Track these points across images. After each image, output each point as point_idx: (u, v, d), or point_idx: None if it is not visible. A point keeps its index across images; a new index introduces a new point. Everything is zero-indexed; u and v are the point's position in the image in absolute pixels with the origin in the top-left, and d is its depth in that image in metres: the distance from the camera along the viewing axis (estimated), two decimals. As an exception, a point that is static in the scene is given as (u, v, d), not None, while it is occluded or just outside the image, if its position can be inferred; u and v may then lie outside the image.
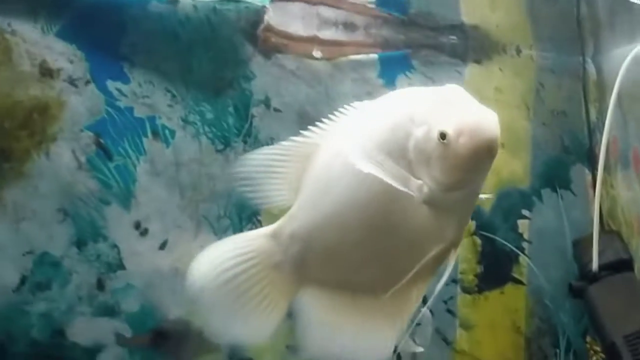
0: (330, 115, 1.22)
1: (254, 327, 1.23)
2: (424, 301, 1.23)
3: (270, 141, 1.72)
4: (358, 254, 1.19)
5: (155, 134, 1.65)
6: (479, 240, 1.84)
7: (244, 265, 1.22)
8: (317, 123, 1.22)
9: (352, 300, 1.23)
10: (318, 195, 1.20)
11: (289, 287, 1.24)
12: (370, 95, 1.80)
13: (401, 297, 1.20)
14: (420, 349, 1.58)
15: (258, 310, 1.23)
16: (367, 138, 1.16)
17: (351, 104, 1.21)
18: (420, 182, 1.14)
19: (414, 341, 1.69)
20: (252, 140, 1.72)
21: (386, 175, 1.13)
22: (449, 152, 1.11)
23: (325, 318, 1.24)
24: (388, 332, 1.21)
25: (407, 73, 1.85)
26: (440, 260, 1.18)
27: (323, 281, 1.23)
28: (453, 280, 1.79)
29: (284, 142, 1.22)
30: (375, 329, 1.21)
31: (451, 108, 1.13)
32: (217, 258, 1.24)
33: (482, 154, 1.11)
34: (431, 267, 1.19)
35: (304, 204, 1.22)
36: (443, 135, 1.10)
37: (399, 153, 1.14)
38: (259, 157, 1.22)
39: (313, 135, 1.23)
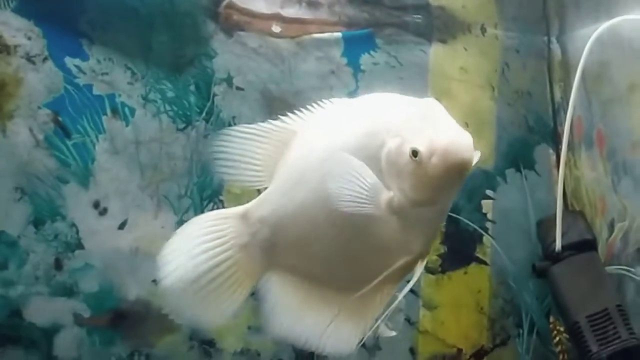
0: (307, 105, 1.24)
1: (217, 306, 1.23)
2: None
3: (233, 120, 1.71)
4: (325, 249, 1.21)
5: (114, 112, 1.63)
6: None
7: (212, 244, 1.22)
8: (295, 111, 1.24)
9: (318, 292, 1.23)
10: (292, 184, 1.21)
11: (255, 269, 1.24)
12: (334, 74, 1.80)
13: (366, 300, 1.21)
14: (393, 333, 1.57)
15: (222, 289, 1.23)
16: (344, 140, 1.18)
17: (329, 98, 1.25)
18: (390, 193, 1.15)
19: (387, 326, 1.68)
20: (215, 119, 1.70)
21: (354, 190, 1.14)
22: (420, 170, 1.12)
23: (290, 303, 1.25)
24: (352, 329, 1.22)
25: (371, 52, 1.83)
26: (406, 270, 1.20)
27: (291, 268, 1.24)
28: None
29: (262, 124, 1.23)
30: (339, 324, 1.22)
31: (426, 124, 1.14)
32: (187, 235, 1.24)
33: (453, 176, 1.13)
34: (397, 276, 1.20)
35: (277, 189, 1.24)
36: (415, 153, 1.12)
37: (373, 160, 1.15)
38: (237, 135, 1.24)
39: (291, 122, 1.25)
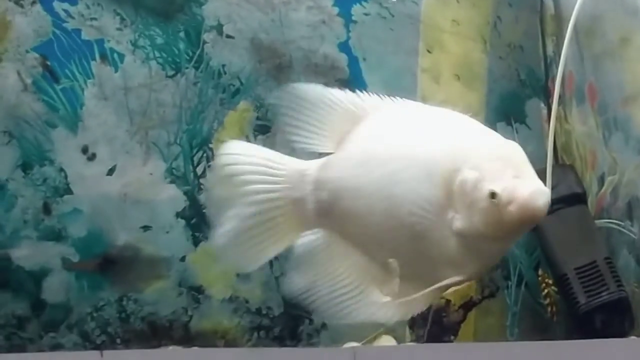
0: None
1: (254, 251, 1.24)
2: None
3: (222, 68, 1.71)
4: (380, 237, 1.21)
5: (103, 57, 1.62)
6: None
7: (264, 187, 1.23)
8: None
9: (354, 268, 1.24)
10: (362, 161, 1.22)
11: (300, 225, 1.25)
12: (324, 23, 1.79)
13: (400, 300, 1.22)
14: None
15: (263, 236, 1.24)
16: (422, 147, 1.18)
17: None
18: (455, 215, 1.16)
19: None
20: (204, 66, 1.69)
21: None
22: (494, 211, 1.14)
23: (317, 266, 1.25)
24: (368, 314, 1.22)
25: (363, 2, 1.82)
26: (452, 286, 1.21)
27: (338, 235, 1.24)
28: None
29: (334, 91, 1.24)
30: (358, 306, 1.22)
31: (507, 169, 1.15)
32: (243, 165, 1.24)
33: (526, 225, 1.16)
34: (440, 290, 1.22)
35: (345, 159, 1.24)
36: (493, 195, 1.13)
37: (445, 179, 1.16)
38: (309, 95, 1.25)
39: (366, 99, 1.25)
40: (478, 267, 1.22)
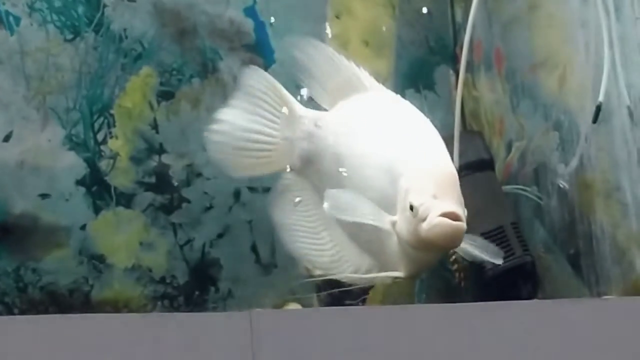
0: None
1: (240, 158, 1.38)
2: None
3: (124, 32, 1.68)
4: None
5: (-2, 20, 1.58)
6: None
7: (267, 111, 1.38)
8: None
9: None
10: (340, 136, 1.34)
11: (283, 160, 1.38)
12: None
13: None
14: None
15: (257, 158, 1.38)
16: (384, 149, 1.29)
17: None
18: (396, 218, 1.25)
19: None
20: (105, 30, 1.66)
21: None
22: (414, 222, 1.22)
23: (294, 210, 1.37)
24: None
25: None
26: (390, 279, 1.32)
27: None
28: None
29: (344, 59, 1.38)
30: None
31: (432, 185, 1.23)
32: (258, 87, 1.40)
33: (436, 244, 1.22)
34: (377, 280, 1.35)
35: (330, 125, 1.36)
36: (412, 207, 1.21)
37: (392, 183, 1.26)
38: (324, 53, 1.40)
39: (363, 76, 1.40)
40: (413, 268, 1.30)
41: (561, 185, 1.70)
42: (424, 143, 1.31)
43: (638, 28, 1.55)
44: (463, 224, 1.22)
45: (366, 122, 1.35)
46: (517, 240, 1.67)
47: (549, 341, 1.25)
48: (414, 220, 1.22)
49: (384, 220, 1.27)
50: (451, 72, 1.96)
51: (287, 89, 1.71)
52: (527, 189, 1.76)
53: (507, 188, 1.78)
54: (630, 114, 1.57)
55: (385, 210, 1.27)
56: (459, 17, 1.97)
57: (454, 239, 1.23)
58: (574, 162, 1.69)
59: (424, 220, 1.20)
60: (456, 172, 1.30)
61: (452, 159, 1.71)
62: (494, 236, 1.67)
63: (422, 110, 1.86)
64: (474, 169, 1.75)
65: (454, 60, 1.95)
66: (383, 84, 1.83)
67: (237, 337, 1.07)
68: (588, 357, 1.25)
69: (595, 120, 1.58)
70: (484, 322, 1.24)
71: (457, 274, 1.80)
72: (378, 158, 1.29)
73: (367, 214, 1.27)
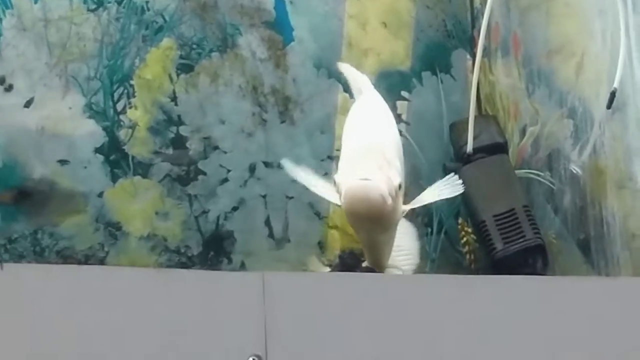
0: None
1: None
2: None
3: (146, 5, 1.70)
4: None
5: (23, -12, 1.60)
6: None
7: None
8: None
9: None
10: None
11: None
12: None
13: None
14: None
15: None
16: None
17: None
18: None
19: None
20: (127, 2, 1.68)
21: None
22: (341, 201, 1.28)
23: None
24: None
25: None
26: None
27: None
28: (329, 157, 1.78)
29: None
30: None
31: (355, 162, 1.30)
32: None
33: (355, 217, 1.28)
34: None
35: None
36: (334, 182, 1.30)
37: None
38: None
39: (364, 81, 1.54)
40: (366, 254, 1.39)
41: (574, 171, 1.71)
42: (361, 137, 1.38)
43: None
44: (378, 187, 1.24)
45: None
46: (528, 223, 1.67)
47: (556, 315, 1.26)
48: (341, 198, 1.27)
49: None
50: (468, 56, 1.97)
51: (304, 67, 1.74)
52: (540, 173, 1.77)
53: (520, 172, 1.79)
54: (643, 102, 1.58)
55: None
56: (477, 2, 1.98)
57: (370, 205, 1.24)
58: (587, 149, 1.70)
59: (341, 193, 1.26)
60: (383, 146, 1.35)
61: (467, 141, 1.75)
62: (506, 218, 1.68)
63: (437, 93, 1.90)
64: (488, 152, 1.76)
65: (471, 45, 1.96)
66: (400, 65, 1.88)
67: (250, 296, 1.08)
68: (594, 333, 1.26)
69: (609, 106, 1.59)
70: (493, 293, 1.25)
71: (467, 255, 1.81)
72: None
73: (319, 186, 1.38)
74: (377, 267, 1.38)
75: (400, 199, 1.35)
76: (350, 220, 1.31)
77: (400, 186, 1.31)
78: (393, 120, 1.48)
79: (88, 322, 1.04)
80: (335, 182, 1.28)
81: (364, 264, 1.42)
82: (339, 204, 1.31)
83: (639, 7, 1.59)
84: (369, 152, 1.31)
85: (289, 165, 1.42)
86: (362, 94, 1.52)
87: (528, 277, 1.48)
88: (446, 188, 1.43)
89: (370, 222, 1.29)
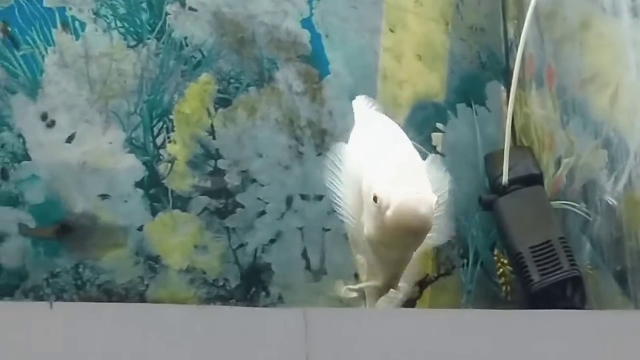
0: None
1: None
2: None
3: (185, 41, 1.71)
4: None
5: (65, 25, 1.62)
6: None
7: None
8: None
9: None
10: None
11: None
12: (288, 1, 1.80)
13: None
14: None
15: None
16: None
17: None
18: (365, 221, 1.28)
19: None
20: (167, 38, 1.70)
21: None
22: (379, 215, 1.22)
23: None
24: None
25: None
26: (379, 294, 1.36)
27: None
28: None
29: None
30: None
31: (397, 175, 1.26)
32: None
33: (404, 232, 1.22)
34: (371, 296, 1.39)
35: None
36: (376, 199, 1.22)
37: (359, 186, 1.31)
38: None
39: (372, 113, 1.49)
40: (383, 274, 1.32)
41: (610, 202, 1.71)
42: (387, 154, 1.33)
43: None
44: (430, 201, 1.21)
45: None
46: (565, 254, 1.67)
47: (594, 350, 1.26)
48: (379, 213, 1.22)
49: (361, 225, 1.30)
50: (502, 87, 1.97)
51: (341, 100, 1.75)
52: (576, 205, 1.77)
53: (555, 204, 1.79)
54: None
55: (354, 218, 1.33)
56: (511, 34, 1.99)
57: (422, 219, 1.20)
58: (623, 180, 1.70)
59: (388, 207, 1.21)
60: (418, 163, 1.33)
61: (502, 173, 1.76)
62: (542, 250, 1.68)
63: (472, 124, 1.91)
64: (524, 184, 1.77)
65: (506, 76, 1.96)
66: (435, 98, 1.89)
67: (292, 333, 1.09)
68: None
69: (643, 138, 1.59)
70: (531, 329, 1.25)
71: (504, 287, 1.81)
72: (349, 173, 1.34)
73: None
74: (393, 287, 1.35)
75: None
76: (391, 237, 1.24)
77: (437, 204, 1.28)
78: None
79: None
80: (376, 198, 1.23)
81: (359, 286, 1.40)
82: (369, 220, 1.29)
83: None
84: (411, 167, 1.30)
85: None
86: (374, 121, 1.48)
87: (565, 312, 1.48)
88: None
89: (416, 238, 1.25)
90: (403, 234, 1.22)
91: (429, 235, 1.28)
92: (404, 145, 1.36)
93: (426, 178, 1.30)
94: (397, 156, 1.31)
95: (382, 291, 1.36)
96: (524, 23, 1.82)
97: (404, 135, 1.40)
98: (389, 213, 1.20)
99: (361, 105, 1.50)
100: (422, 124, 1.88)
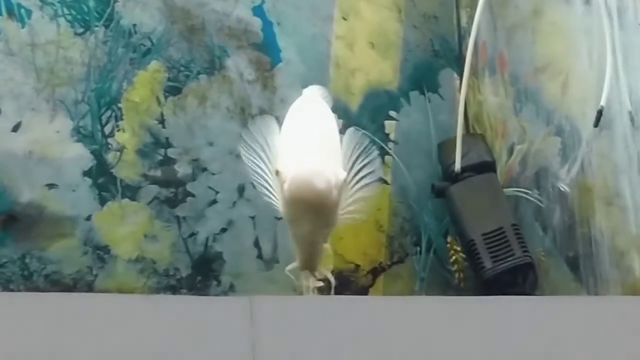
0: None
1: None
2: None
3: (133, 28, 1.69)
4: None
5: (10, 12, 1.60)
6: (345, 139, 1.84)
7: None
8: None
9: None
10: None
11: None
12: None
13: None
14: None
15: None
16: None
17: None
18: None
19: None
20: (115, 25, 1.68)
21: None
22: (281, 190, 1.27)
23: None
24: None
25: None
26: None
27: None
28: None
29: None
30: None
31: (298, 149, 1.29)
32: None
33: (300, 204, 1.25)
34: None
35: None
36: (277, 172, 1.27)
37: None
38: None
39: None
40: (300, 253, 1.34)
41: (562, 189, 1.72)
42: (299, 132, 1.36)
43: (637, 34, 1.57)
44: (327, 175, 1.24)
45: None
46: (517, 241, 1.68)
47: (546, 335, 1.26)
48: (281, 188, 1.26)
49: None
50: (455, 75, 1.97)
51: (292, 88, 1.74)
52: (528, 191, 1.77)
53: (508, 190, 1.80)
54: (632, 120, 1.58)
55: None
56: (464, 22, 1.99)
57: (316, 192, 1.23)
58: (575, 167, 1.70)
59: (285, 181, 1.24)
60: (331, 142, 1.35)
61: (455, 160, 1.76)
62: (494, 237, 1.69)
63: (425, 112, 1.91)
64: (476, 171, 1.77)
65: (459, 64, 1.96)
66: (388, 86, 1.88)
67: (238, 321, 1.08)
68: (583, 353, 1.27)
69: (596, 124, 1.60)
70: (482, 315, 1.25)
71: (457, 275, 1.81)
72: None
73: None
74: (310, 268, 1.35)
75: (343, 196, 1.33)
76: (292, 212, 1.28)
77: (345, 181, 1.30)
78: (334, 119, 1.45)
79: (75, 349, 1.04)
80: (277, 172, 1.27)
81: (290, 267, 1.39)
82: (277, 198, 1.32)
83: (625, 24, 1.60)
84: (316, 142, 1.32)
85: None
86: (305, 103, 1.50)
87: (516, 298, 1.48)
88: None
89: (315, 213, 1.27)
90: (301, 208, 1.25)
91: (349, 214, 1.33)
92: (320, 125, 1.38)
93: (337, 156, 1.32)
94: (307, 134, 1.33)
95: (302, 272, 1.36)
96: (476, 10, 1.82)
97: (327, 117, 1.42)
98: (285, 186, 1.24)
99: (308, 93, 1.50)
100: (375, 111, 1.87)
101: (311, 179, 1.22)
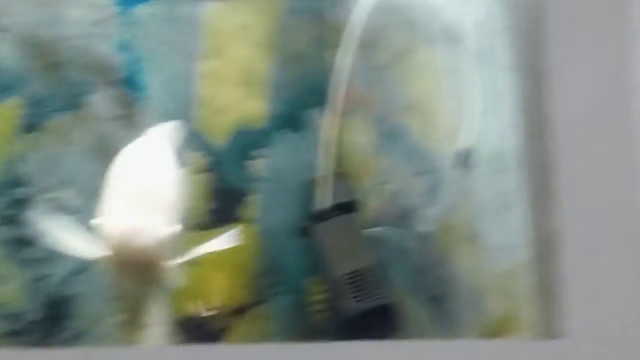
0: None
1: None
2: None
3: (-7, 61, 1.67)
4: None
5: None
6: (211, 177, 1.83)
7: None
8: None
9: None
10: None
11: None
12: (103, 22, 1.76)
13: None
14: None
15: None
16: None
17: None
18: None
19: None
20: (-27, 61, 1.65)
21: None
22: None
23: None
24: None
25: (145, 3, 1.80)
26: None
27: None
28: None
29: None
30: None
31: (125, 207, 1.24)
32: None
33: (119, 267, 1.23)
34: None
35: None
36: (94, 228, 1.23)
37: None
38: None
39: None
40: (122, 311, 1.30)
41: (426, 229, 1.74)
42: (134, 176, 1.33)
43: (505, 76, 1.60)
44: (146, 226, 1.21)
45: None
46: (378, 281, 1.70)
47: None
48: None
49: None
50: (324, 114, 1.98)
51: (157, 123, 1.73)
52: (392, 231, 1.79)
53: (372, 230, 1.81)
54: (496, 161, 1.62)
55: None
56: (332, 61, 2.00)
57: (137, 244, 1.19)
58: (439, 206, 1.73)
59: (105, 238, 1.22)
60: (158, 184, 1.31)
61: (322, 200, 1.76)
62: (356, 277, 1.70)
63: (293, 151, 1.91)
64: (341, 211, 1.79)
65: (327, 103, 1.97)
66: (256, 124, 1.88)
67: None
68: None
69: (462, 165, 1.63)
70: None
71: (318, 316, 1.82)
72: None
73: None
74: (133, 325, 1.32)
75: (176, 249, 1.31)
76: (113, 270, 1.25)
77: (176, 234, 1.27)
78: (175, 164, 1.42)
79: None
80: (95, 227, 1.23)
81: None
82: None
83: (492, 64, 1.64)
84: (142, 192, 1.27)
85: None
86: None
87: (372, 343, 1.49)
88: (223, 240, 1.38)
89: (138, 272, 1.25)
90: (121, 268, 1.23)
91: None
92: (151, 173, 1.34)
93: (163, 205, 1.28)
94: (133, 185, 1.29)
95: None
96: (344, 50, 1.84)
97: (163, 163, 1.39)
98: (106, 245, 1.21)
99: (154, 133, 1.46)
100: (243, 150, 1.87)
101: (131, 236, 1.19)
